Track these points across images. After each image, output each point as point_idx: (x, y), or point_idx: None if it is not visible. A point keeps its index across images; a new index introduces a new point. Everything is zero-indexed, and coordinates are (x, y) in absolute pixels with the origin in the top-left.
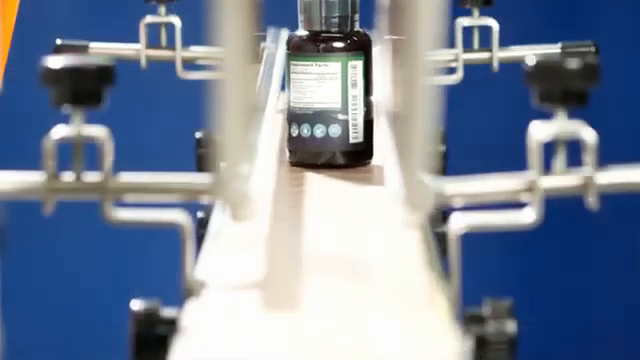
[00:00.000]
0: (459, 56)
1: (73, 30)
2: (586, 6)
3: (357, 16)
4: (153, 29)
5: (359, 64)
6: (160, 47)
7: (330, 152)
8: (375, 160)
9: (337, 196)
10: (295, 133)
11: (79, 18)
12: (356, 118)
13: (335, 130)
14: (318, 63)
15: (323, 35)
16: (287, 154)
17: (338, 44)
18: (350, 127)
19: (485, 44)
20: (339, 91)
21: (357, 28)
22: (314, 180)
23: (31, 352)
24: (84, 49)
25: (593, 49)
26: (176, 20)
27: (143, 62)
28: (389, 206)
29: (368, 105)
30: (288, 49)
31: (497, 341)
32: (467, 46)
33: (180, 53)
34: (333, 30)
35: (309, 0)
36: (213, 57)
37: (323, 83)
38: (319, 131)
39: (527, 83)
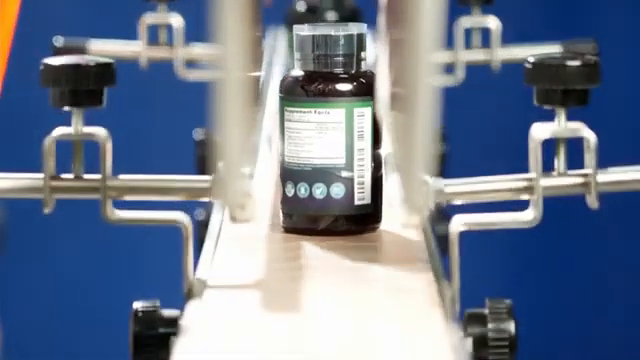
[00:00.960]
0: (459, 56)
1: (73, 30)
2: (586, 6)
3: (364, 54)
4: (153, 29)
5: (367, 112)
6: (160, 46)
7: (332, 216)
8: (385, 224)
9: (341, 275)
10: (290, 193)
11: (79, 18)
12: (363, 175)
13: (338, 190)
14: (318, 110)
15: (324, 76)
16: (280, 217)
17: (342, 87)
18: (356, 186)
19: (485, 44)
20: (343, 144)
21: (363, 68)
22: (312, 252)
23: (31, 352)
24: (84, 49)
25: (594, 48)
26: (176, 20)
27: (143, 62)
28: (403, 287)
29: (377, 160)
30: (281, 92)
31: (497, 341)
32: (467, 46)
33: (180, 53)
34: (336, 70)
35: (306, 34)
36: (213, 57)
37: (324, 134)
38: (319, 191)
39: (527, 83)
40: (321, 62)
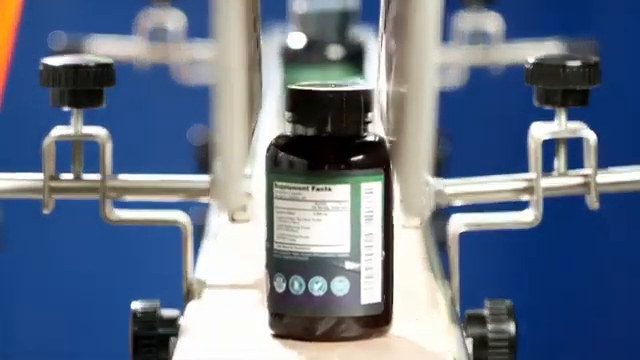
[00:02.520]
0: (460, 56)
1: (73, 30)
2: (587, 5)
3: (371, 115)
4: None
5: (376, 187)
6: (160, 46)
7: (333, 318)
8: (396, 327)
9: None
10: (281, 288)
11: (79, 18)
12: (371, 267)
13: (341, 285)
14: (317, 186)
15: (323, 143)
16: (267, 319)
17: (346, 157)
18: (363, 281)
19: (486, 44)
20: (347, 228)
21: (371, 134)
22: None
23: (31, 352)
24: (84, 49)
25: (594, 48)
26: (177, 18)
27: (143, 62)
28: None
29: (388, 246)
30: (270, 163)
31: (497, 341)
32: (468, 46)
33: (181, 53)
34: (339, 137)
35: (301, 90)
36: (213, 57)
37: (323, 216)
38: (317, 287)
39: (527, 83)
40: (319, 126)
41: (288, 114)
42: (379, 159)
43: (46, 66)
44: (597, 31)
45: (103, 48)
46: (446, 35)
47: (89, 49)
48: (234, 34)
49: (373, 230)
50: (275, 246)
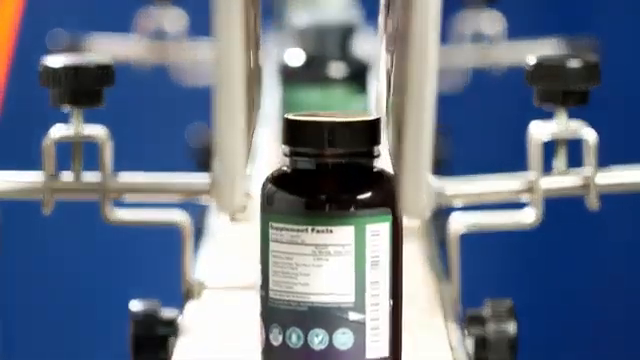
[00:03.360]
0: (459, 56)
1: (73, 29)
2: (587, 5)
3: (379, 149)
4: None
5: (383, 229)
6: (161, 46)
7: None
8: None
9: None
10: (277, 341)
11: (79, 17)
12: (378, 318)
13: (344, 339)
14: (317, 228)
15: (324, 181)
16: None
17: (351, 197)
18: (368, 333)
19: (486, 44)
20: (351, 275)
21: (376, 168)
22: None
23: (31, 352)
24: (84, 48)
25: (594, 47)
26: (177, 19)
27: (143, 62)
28: None
29: (396, 294)
30: (265, 202)
31: (497, 341)
32: (467, 46)
33: (181, 52)
34: (341, 172)
35: (298, 120)
36: (213, 57)
37: (325, 261)
38: (318, 340)
39: (527, 83)
40: (319, 160)
41: (285, 146)
42: (386, 197)
43: (46, 66)
44: (597, 31)
45: (103, 47)
46: (446, 35)
47: (89, 48)
48: (234, 34)
49: (379, 277)
50: (271, 294)
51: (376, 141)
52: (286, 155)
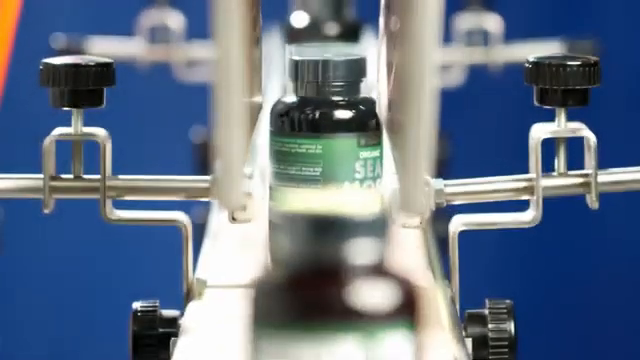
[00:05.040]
0: (459, 56)
1: (73, 30)
2: (587, 5)
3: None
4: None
5: None
6: (160, 46)
7: None
8: None
9: None
10: None
11: (79, 18)
12: None
13: None
14: None
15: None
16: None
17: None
18: None
19: (486, 43)
20: None
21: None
22: None
23: (30, 352)
24: (84, 48)
25: (594, 47)
26: (177, 18)
27: (143, 62)
28: None
29: None
30: None
31: (497, 341)
32: (468, 46)
33: (181, 53)
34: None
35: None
36: (213, 56)
37: None
38: None
39: (527, 83)
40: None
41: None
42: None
43: (46, 66)
44: (597, 31)
45: (103, 48)
46: (446, 35)
47: (89, 49)
48: (234, 34)
49: None
50: None
51: (382, 233)
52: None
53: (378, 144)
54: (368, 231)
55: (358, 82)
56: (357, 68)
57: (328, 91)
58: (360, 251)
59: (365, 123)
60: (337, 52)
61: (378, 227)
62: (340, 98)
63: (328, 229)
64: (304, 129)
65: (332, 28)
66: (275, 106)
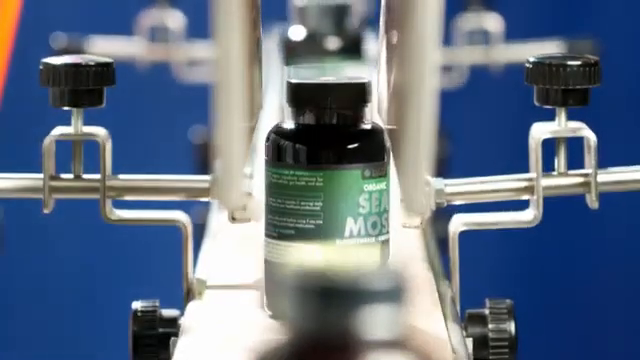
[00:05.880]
0: (460, 56)
1: (73, 29)
2: (587, 5)
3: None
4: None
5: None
6: (161, 46)
7: None
8: None
9: None
10: None
11: (79, 18)
12: None
13: None
14: None
15: None
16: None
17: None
18: None
19: (486, 44)
20: None
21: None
22: None
23: (31, 352)
24: (84, 48)
25: (594, 47)
26: (177, 18)
27: (143, 61)
28: None
29: None
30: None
31: (497, 341)
32: (468, 46)
33: (181, 52)
34: None
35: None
36: (213, 56)
37: None
38: None
39: (527, 83)
40: None
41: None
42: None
43: (46, 66)
44: (597, 31)
45: (103, 48)
46: (447, 36)
47: (89, 49)
48: (234, 34)
49: None
50: None
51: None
52: None
53: (384, 175)
54: (380, 300)
55: (362, 107)
56: (361, 92)
57: (329, 117)
58: (371, 324)
59: (371, 153)
60: (338, 73)
61: (391, 294)
62: (343, 125)
63: (334, 298)
64: (303, 160)
65: (332, 42)
66: (271, 133)
